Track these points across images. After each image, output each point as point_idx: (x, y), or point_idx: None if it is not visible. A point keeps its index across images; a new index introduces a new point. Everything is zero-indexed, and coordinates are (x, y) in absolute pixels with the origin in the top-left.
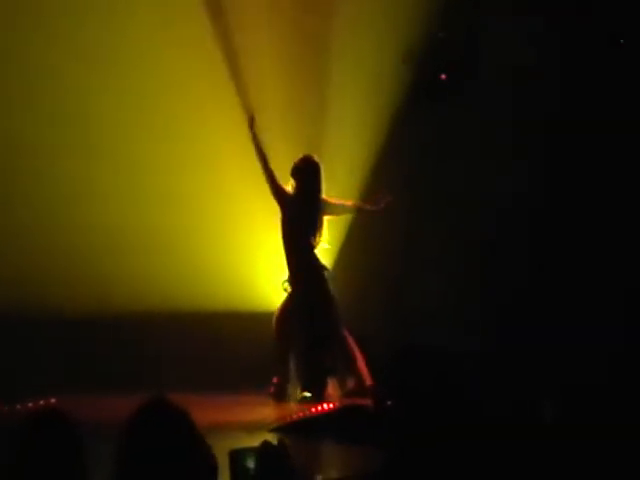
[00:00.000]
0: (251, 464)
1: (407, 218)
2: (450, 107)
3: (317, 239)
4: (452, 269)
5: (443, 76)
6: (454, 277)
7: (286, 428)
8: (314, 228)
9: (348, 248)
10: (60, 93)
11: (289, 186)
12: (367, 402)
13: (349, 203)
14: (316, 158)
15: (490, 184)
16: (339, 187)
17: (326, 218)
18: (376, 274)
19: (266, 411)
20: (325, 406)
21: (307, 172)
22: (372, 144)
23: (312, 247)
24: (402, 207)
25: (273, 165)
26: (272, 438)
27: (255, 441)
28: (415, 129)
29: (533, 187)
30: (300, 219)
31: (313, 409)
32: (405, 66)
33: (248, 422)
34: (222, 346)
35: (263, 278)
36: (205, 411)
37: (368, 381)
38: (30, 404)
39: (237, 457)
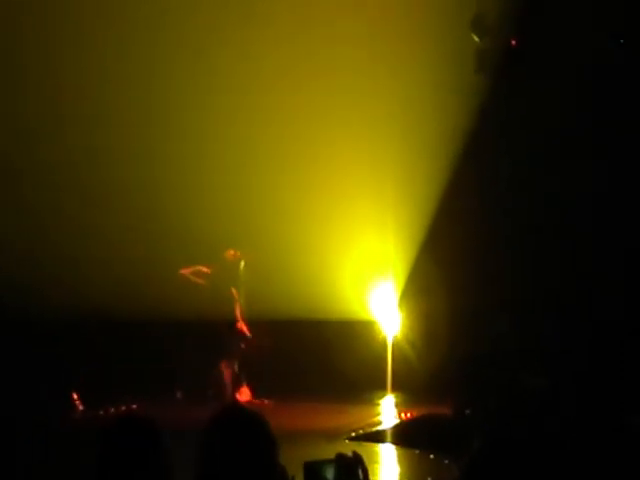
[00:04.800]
0: (329, 475)
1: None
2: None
3: None
4: None
5: (513, 42)
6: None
7: (365, 437)
8: None
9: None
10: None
11: None
12: (446, 411)
13: None
14: None
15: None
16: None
17: None
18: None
19: (347, 419)
20: (403, 415)
21: None
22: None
23: None
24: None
25: None
26: (348, 447)
27: (333, 449)
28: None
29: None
30: None
31: (393, 418)
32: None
33: (328, 429)
34: (316, 353)
35: (347, 287)
36: (290, 417)
37: None
38: (112, 409)
39: (313, 468)
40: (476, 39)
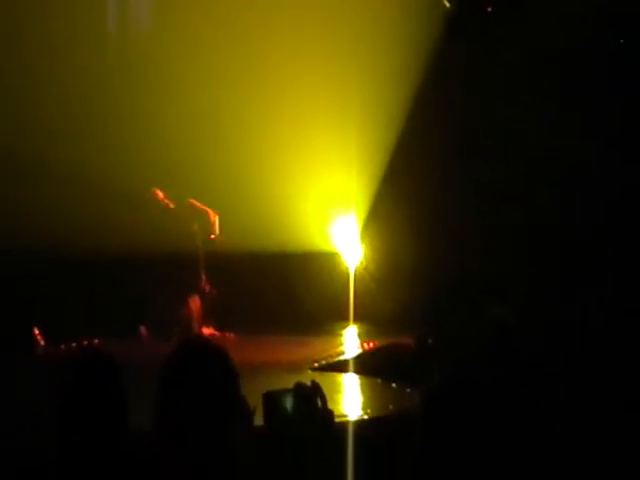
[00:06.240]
0: (288, 405)
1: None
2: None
3: None
4: None
5: (489, 9)
6: None
7: (327, 367)
8: None
9: None
10: None
11: None
12: (408, 341)
13: None
14: None
15: None
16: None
17: None
18: None
19: (310, 350)
20: (366, 345)
21: None
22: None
23: None
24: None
25: None
26: (310, 378)
27: (295, 380)
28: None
29: None
30: None
31: (356, 348)
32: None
33: (290, 361)
34: (277, 286)
35: (309, 219)
36: (253, 350)
37: None
38: (74, 344)
39: (272, 398)
40: (447, 4)
